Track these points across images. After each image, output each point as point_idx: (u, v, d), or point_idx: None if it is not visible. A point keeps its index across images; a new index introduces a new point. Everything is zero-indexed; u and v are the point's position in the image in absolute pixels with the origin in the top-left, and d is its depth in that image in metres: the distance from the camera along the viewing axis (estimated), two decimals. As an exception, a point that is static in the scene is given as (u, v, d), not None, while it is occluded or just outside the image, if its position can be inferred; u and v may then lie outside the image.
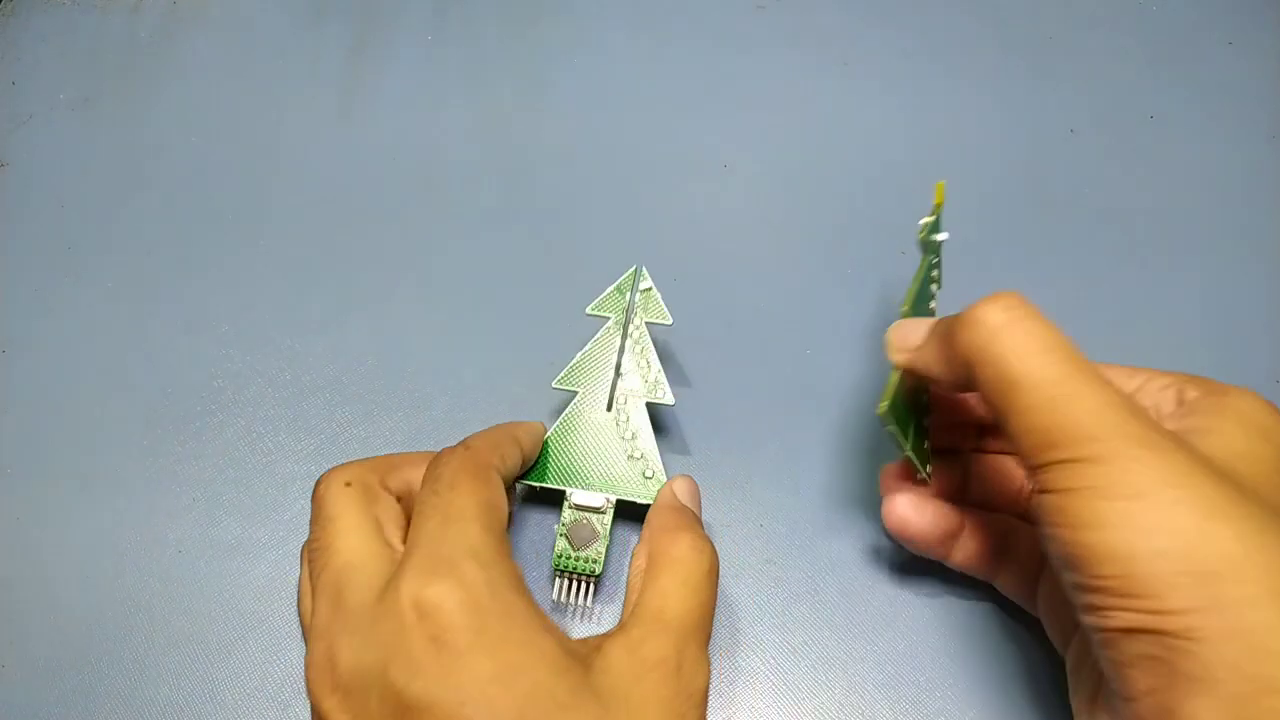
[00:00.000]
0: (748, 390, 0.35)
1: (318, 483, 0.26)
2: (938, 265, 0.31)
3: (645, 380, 0.31)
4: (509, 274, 0.38)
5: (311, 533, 0.25)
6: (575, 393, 0.31)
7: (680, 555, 0.25)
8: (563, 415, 0.31)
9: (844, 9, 0.44)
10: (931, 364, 0.24)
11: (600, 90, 0.42)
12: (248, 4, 0.45)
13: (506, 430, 0.29)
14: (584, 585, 0.30)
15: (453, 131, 0.41)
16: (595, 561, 0.29)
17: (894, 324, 0.26)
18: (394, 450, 0.34)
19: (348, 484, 0.25)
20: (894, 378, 0.26)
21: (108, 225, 0.39)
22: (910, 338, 0.25)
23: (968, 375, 0.23)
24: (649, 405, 0.31)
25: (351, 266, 0.38)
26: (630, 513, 0.31)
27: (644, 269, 0.32)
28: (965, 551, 0.28)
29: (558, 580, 0.30)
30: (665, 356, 0.36)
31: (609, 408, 0.31)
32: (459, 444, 0.26)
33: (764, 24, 0.44)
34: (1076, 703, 0.24)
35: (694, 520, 0.27)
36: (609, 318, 0.32)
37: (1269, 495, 0.21)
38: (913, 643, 0.30)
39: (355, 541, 0.24)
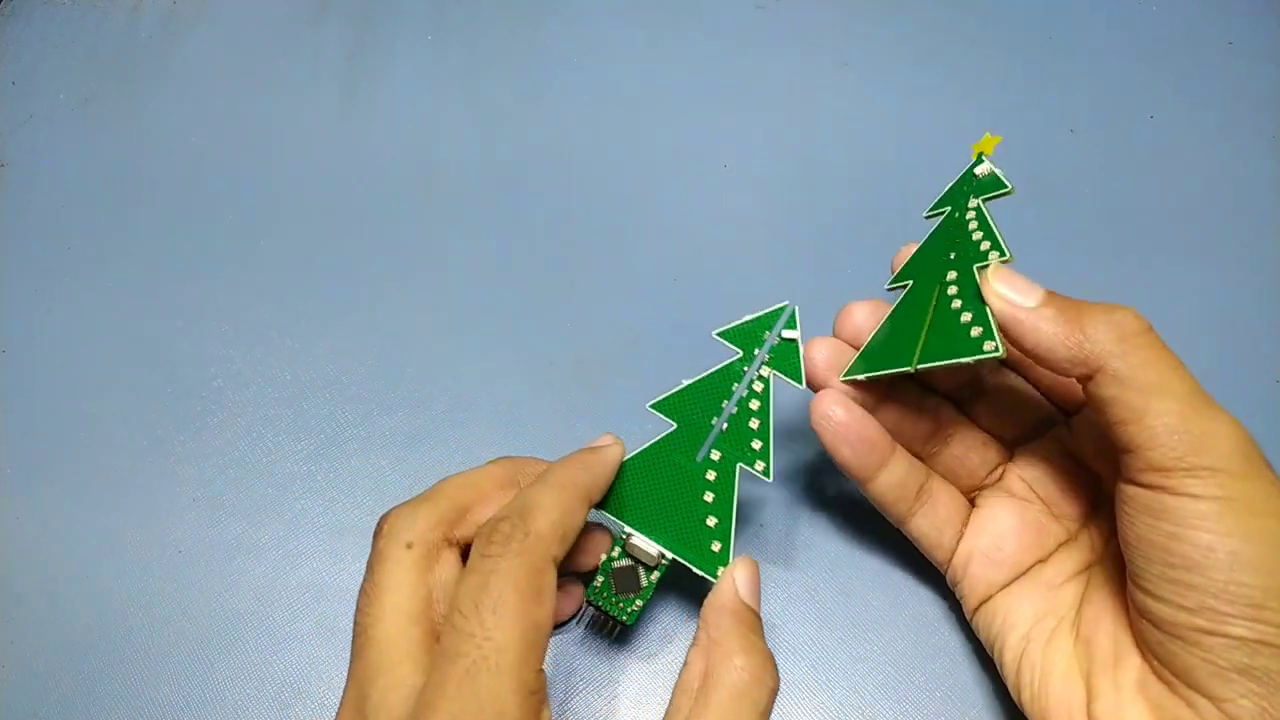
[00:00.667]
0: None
1: (382, 525, 0.24)
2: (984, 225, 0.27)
3: (750, 444, 0.27)
4: (508, 273, 0.38)
5: (363, 587, 0.24)
6: (671, 426, 0.28)
7: (738, 686, 0.24)
8: (648, 446, 0.28)
9: (844, 9, 0.44)
10: (1043, 333, 0.24)
11: (600, 90, 0.42)
12: (247, 4, 0.45)
13: (579, 484, 0.25)
14: (611, 627, 0.28)
15: (453, 131, 0.41)
16: (630, 613, 0.27)
17: (995, 266, 0.25)
18: (395, 453, 0.34)
19: (409, 545, 0.24)
20: (995, 320, 0.24)
21: (108, 225, 0.39)
22: (1020, 294, 0.24)
23: (1085, 363, 0.23)
24: (743, 471, 0.27)
25: (351, 266, 0.38)
26: (681, 573, 0.28)
27: (797, 312, 0.27)
28: (888, 481, 0.28)
29: (587, 609, 0.29)
30: (664, 355, 0.36)
31: (699, 457, 0.27)
32: (518, 514, 0.23)
33: (764, 24, 0.44)
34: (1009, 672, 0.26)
35: (757, 628, 0.25)
36: (737, 352, 0.28)
37: None
38: (913, 643, 0.30)
39: (394, 630, 0.23)
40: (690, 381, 0.28)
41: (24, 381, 0.36)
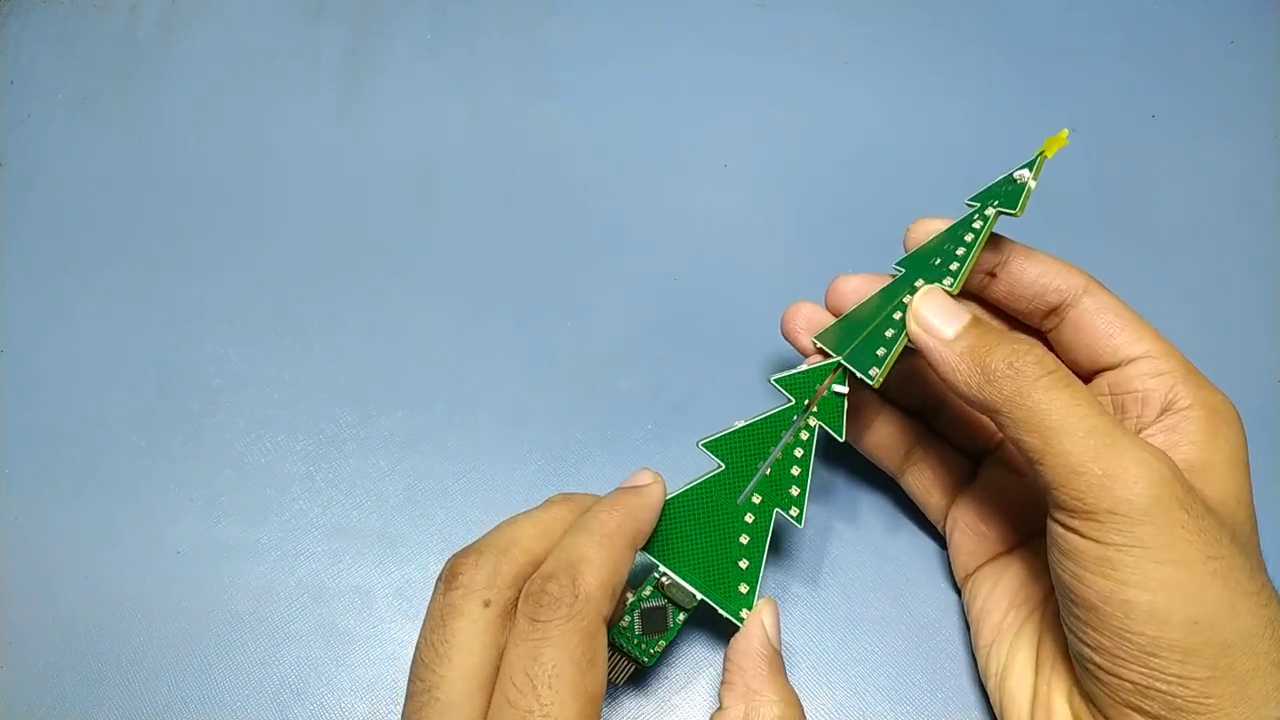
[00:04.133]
0: (746, 390, 0.35)
1: (455, 575, 0.23)
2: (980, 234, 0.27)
3: (789, 490, 0.27)
4: (507, 273, 0.38)
5: (428, 639, 0.22)
6: (717, 466, 0.27)
7: None
8: (691, 485, 0.27)
9: (844, 8, 0.44)
10: (949, 367, 0.24)
11: (600, 90, 0.42)
12: (246, 2, 0.45)
13: (625, 533, 0.24)
14: (627, 668, 0.27)
15: (453, 131, 0.41)
16: (653, 654, 0.27)
17: (927, 289, 0.25)
18: (394, 453, 0.34)
19: (487, 604, 0.22)
20: (899, 349, 0.25)
21: (107, 225, 0.39)
22: (942, 320, 0.25)
23: (985, 407, 0.23)
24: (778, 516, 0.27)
25: (351, 266, 0.38)
26: (706, 613, 0.27)
27: (847, 370, 0.27)
28: (874, 440, 0.30)
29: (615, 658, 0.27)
30: (664, 355, 0.35)
31: (740, 500, 0.27)
32: (566, 572, 0.22)
33: (764, 23, 0.44)
34: (983, 647, 0.27)
35: (784, 671, 0.26)
36: (789, 400, 0.27)
37: (1248, 539, 0.23)
38: (914, 644, 0.30)
39: (461, 694, 0.21)
40: (744, 424, 0.27)
41: (23, 381, 0.36)
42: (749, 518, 0.27)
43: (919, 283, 0.27)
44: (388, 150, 0.41)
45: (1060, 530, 0.22)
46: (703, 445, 0.27)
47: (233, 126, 0.42)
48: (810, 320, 0.29)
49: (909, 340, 0.25)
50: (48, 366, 0.36)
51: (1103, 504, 0.21)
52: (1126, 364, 0.26)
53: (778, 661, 0.25)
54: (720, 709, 0.25)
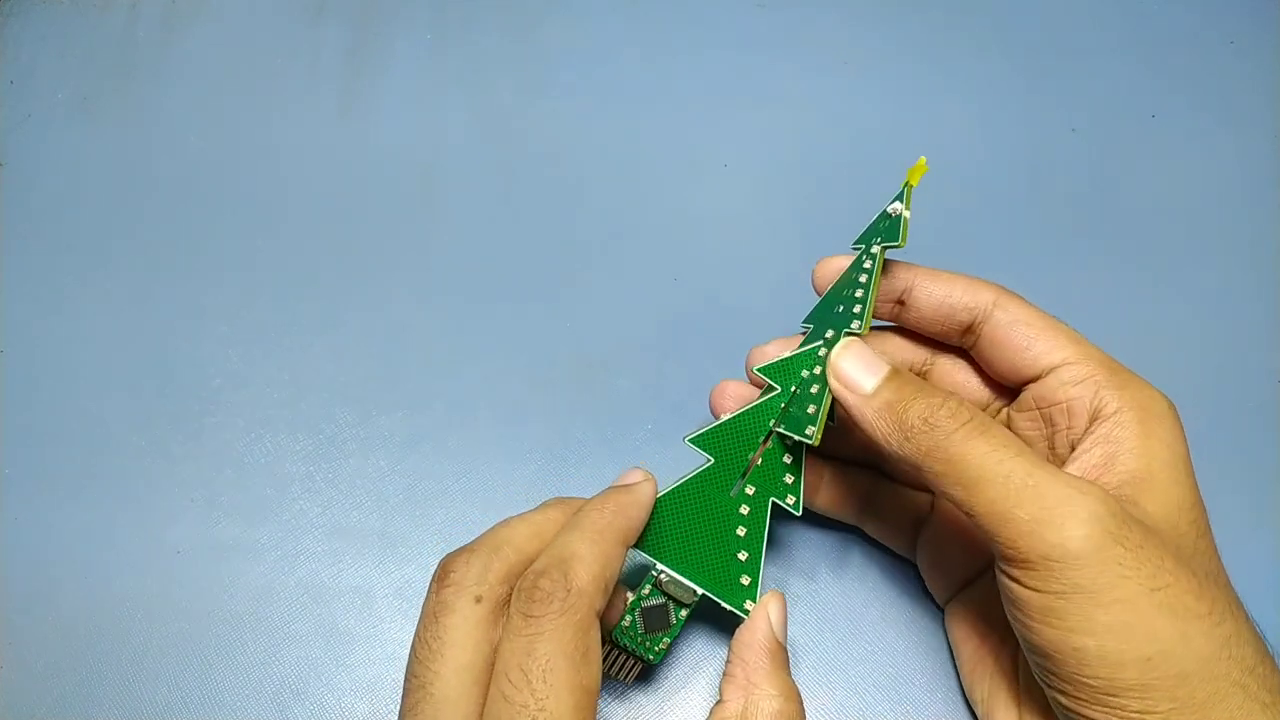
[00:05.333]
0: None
1: (447, 573, 0.23)
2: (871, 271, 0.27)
3: (783, 478, 0.27)
4: (508, 273, 0.38)
5: (422, 637, 0.22)
6: (706, 460, 0.27)
7: None
8: (682, 481, 0.27)
9: (844, 9, 0.44)
10: (869, 424, 0.24)
11: (600, 90, 0.42)
12: (246, 2, 0.45)
13: (616, 529, 0.24)
14: (633, 667, 0.27)
15: (453, 131, 0.41)
16: (658, 652, 0.27)
17: (845, 341, 0.25)
18: (393, 453, 0.34)
19: (479, 600, 0.22)
20: (828, 403, 0.25)
21: (107, 225, 0.39)
22: (860, 374, 0.24)
23: (907, 464, 0.23)
24: (773, 506, 0.27)
25: (350, 266, 0.38)
26: (713, 608, 0.27)
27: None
28: (826, 499, 0.30)
29: (608, 649, 0.27)
30: (664, 355, 0.36)
31: (734, 492, 0.27)
32: (557, 568, 0.22)
33: (764, 23, 0.44)
34: (966, 670, 0.27)
35: (788, 665, 0.26)
36: (775, 388, 0.27)
37: (1194, 547, 0.22)
38: (914, 643, 0.30)
39: (455, 690, 0.21)
40: (729, 417, 0.27)
41: (23, 381, 0.36)
42: (744, 509, 0.27)
43: (829, 333, 0.26)
44: (388, 150, 0.41)
45: (1005, 580, 0.22)
46: (689, 441, 0.27)
47: (233, 126, 0.42)
48: (738, 397, 0.29)
49: (829, 397, 0.25)
50: (48, 366, 0.36)
51: (1036, 551, 0.20)
52: (1047, 374, 0.25)
53: (781, 655, 0.25)
54: (719, 702, 0.25)
